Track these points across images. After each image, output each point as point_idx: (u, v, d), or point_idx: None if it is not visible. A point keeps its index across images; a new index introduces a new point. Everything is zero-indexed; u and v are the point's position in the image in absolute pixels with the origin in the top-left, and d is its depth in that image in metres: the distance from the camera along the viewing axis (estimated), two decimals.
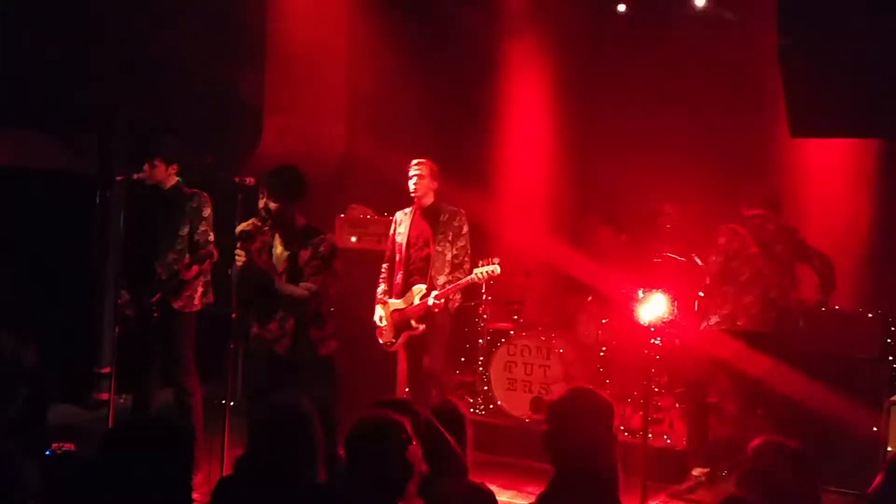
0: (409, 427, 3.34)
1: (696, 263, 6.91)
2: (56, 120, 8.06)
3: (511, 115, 9.06)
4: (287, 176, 5.37)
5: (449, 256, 6.55)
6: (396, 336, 6.62)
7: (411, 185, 6.61)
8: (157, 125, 7.70)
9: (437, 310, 6.46)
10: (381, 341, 6.72)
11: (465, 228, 6.63)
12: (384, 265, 6.82)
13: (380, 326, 6.69)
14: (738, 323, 6.29)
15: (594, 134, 8.72)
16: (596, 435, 3.33)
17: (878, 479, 3.36)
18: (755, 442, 3.60)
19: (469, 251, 6.61)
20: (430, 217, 6.63)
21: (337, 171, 8.99)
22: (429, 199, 6.64)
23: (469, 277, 6.45)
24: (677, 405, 7.39)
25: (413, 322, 6.52)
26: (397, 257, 6.70)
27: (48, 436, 6.39)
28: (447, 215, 6.60)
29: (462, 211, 6.66)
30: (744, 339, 6.25)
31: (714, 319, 6.37)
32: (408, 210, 6.75)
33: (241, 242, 5.21)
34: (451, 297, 6.55)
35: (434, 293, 6.46)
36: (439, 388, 6.36)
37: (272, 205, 5.27)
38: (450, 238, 6.56)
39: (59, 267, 8.11)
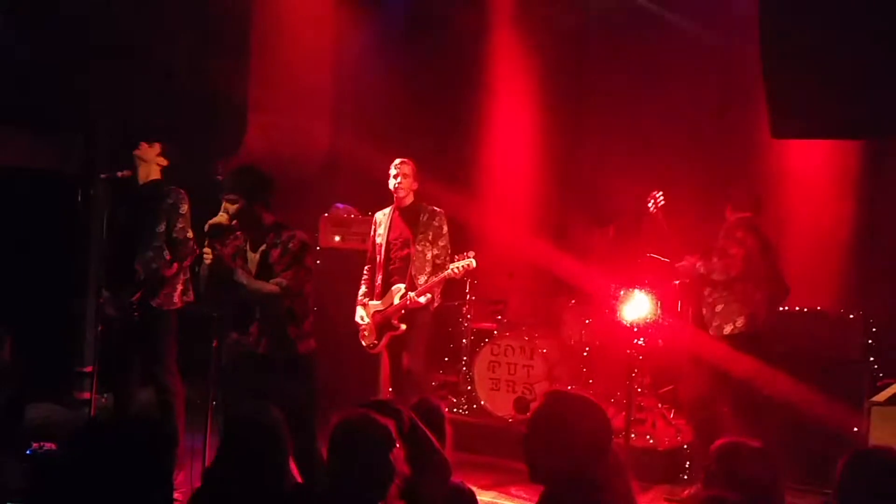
0: (393, 429, 3.33)
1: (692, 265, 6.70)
2: (40, 118, 8.02)
3: (496, 115, 9.07)
4: (251, 174, 5.27)
5: (429, 256, 6.52)
6: (379, 337, 6.60)
7: (393, 184, 6.57)
8: (141, 123, 7.66)
9: (417, 307, 6.44)
10: (363, 343, 6.70)
11: (445, 228, 6.59)
12: (366, 267, 6.78)
13: (362, 328, 6.67)
14: (758, 322, 6.24)
15: (579, 134, 8.74)
16: (584, 444, 3.14)
17: (837, 479, 3.37)
18: (716, 444, 3.65)
19: (450, 251, 6.58)
20: (409, 217, 6.60)
21: (321, 171, 8.98)
22: (409, 199, 6.60)
23: (445, 273, 6.43)
24: (660, 405, 7.41)
25: (394, 322, 6.51)
26: (378, 258, 6.67)
27: (29, 434, 6.38)
28: (427, 215, 6.57)
29: (441, 210, 6.63)
30: (760, 340, 6.24)
31: (740, 321, 6.21)
32: (387, 210, 6.72)
33: (210, 240, 5.15)
34: (434, 294, 6.54)
35: (415, 291, 6.45)
36: (420, 387, 6.34)
37: (231, 207, 5.16)
38: (430, 238, 6.54)
39: (42, 265, 8.07)
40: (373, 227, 6.78)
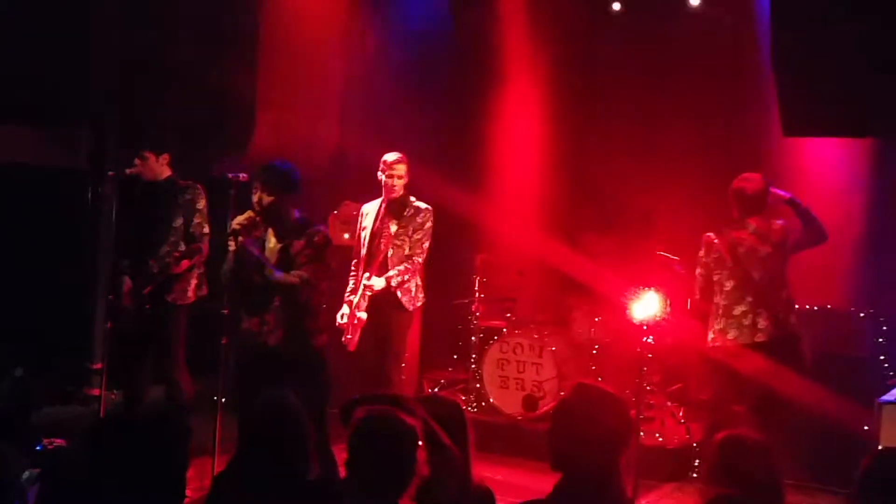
0: (419, 429, 3.28)
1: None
2: (49, 116, 8.03)
3: (505, 114, 9.04)
4: (281, 170, 5.40)
5: (407, 251, 6.35)
6: (353, 332, 6.35)
7: (393, 183, 6.35)
8: (149, 121, 7.68)
9: (370, 292, 6.22)
10: (343, 340, 6.41)
11: (429, 224, 6.37)
12: (353, 262, 6.52)
13: (342, 325, 6.39)
14: (729, 337, 6.15)
15: (588, 132, 8.72)
16: (602, 436, 3.21)
17: (859, 479, 3.34)
18: (718, 437, 3.64)
19: (424, 246, 6.36)
20: (394, 211, 6.39)
21: (330, 168, 8.97)
22: (398, 192, 6.41)
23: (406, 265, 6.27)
24: (669, 403, 7.39)
25: (357, 313, 6.29)
26: (362, 252, 6.44)
27: (38, 431, 6.38)
28: (412, 210, 6.39)
29: (428, 208, 6.42)
30: (740, 351, 6.20)
31: (710, 335, 6.24)
32: (375, 203, 6.48)
33: (234, 234, 5.25)
34: (413, 290, 6.35)
35: (376, 277, 6.23)
36: (388, 384, 6.14)
37: (266, 199, 5.30)
38: (409, 233, 6.36)
39: (51, 263, 8.09)
40: (360, 218, 6.56)
